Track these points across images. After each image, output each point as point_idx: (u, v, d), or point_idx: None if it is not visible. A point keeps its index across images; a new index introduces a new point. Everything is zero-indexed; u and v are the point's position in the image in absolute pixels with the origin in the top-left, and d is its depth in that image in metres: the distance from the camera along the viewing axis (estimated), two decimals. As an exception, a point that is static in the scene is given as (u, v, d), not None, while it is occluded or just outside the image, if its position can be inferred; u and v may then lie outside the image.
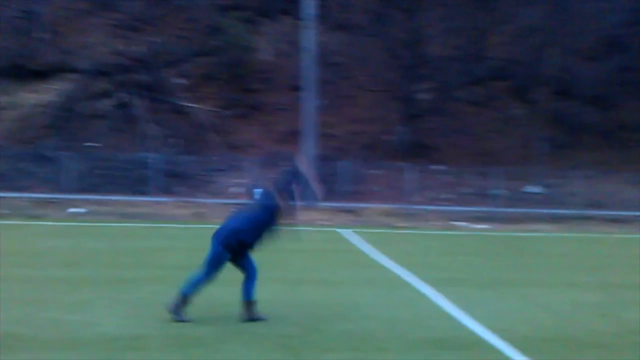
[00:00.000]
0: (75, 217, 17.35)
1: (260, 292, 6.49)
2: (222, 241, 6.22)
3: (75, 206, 18.62)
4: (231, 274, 6.41)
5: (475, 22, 30.87)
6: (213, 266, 6.25)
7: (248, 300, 6.41)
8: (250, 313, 6.39)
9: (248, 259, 6.47)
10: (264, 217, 6.30)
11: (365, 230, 16.53)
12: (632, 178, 26.37)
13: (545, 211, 22.06)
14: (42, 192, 20.21)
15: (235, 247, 6.24)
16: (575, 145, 29.93)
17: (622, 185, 26.21)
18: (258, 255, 6.47)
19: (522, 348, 5.66)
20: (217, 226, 6.45)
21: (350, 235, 14.97)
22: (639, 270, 11.16)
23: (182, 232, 14.58)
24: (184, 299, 6.23)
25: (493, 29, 31.54)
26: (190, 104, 27.13)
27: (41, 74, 26.91)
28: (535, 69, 30.25)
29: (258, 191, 6.56)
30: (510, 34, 32.27)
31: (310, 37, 21.53)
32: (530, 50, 32.16)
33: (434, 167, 25.63)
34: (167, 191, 21.64)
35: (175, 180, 22.68)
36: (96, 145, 24.26)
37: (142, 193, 21.13)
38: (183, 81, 28.36)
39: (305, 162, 7.10)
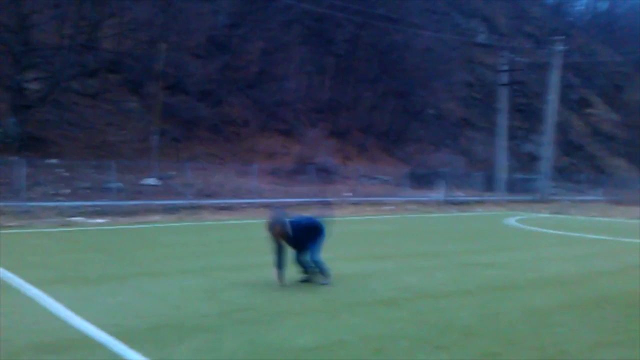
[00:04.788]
0: None
1: None
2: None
3: None
4: None
5: (85, 12, 30.07)
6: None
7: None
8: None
9: None
10: None
11: (-34, 233, 14.93)
12: (239, 169, 28.80)
13: (162, 202, 22.70)
14: None
15: None
16: (189, 139, 31.40)
17: (231, 175, 28.41)
18: None
19: (130, 340, 5.75)
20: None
21: (-53, 240, 13.38)
22: (241, 253, 12.36)
23: None
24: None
25: (104, 21, 31.13)
26: None
27: None
28: (147, 63, 30.83)
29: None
30: (122, 27, 32.27)
31: None
32: (142, 44, 32.67)
33: (47, 161, 24.32)
34: None
35: None
36: None
37: None
38: None
39: None
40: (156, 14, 31.50)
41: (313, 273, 8.82)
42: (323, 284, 8.67)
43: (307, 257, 8.72)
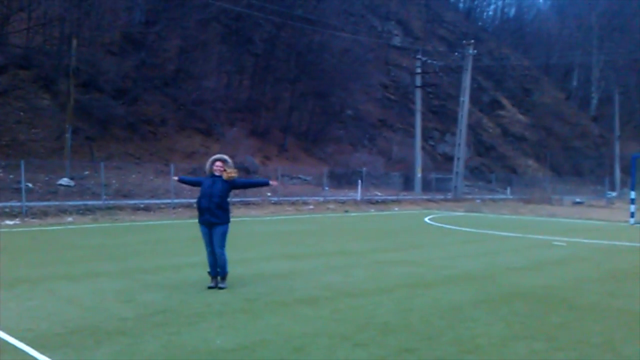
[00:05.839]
0: None
1: None
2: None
3: None
4: None
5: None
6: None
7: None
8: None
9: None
10: None
11: None
12: (157, 168, 28.25)
13: (77, 203, 22.01)
14: None
15: None
16: (103, 138, 30.53)
17: (149, 175, 27.85)
18: None
19: (44, 346, 5.58)
20: None
21: None
22: (159, 255, 12.16)
23: None
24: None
25: (13, 15, 29.84)
26: None
27: None
28: (59, 59, 29.79)
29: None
30: (32, 21, 31.04)
31: None
32: (53, 40, 31.54)
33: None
34: None
35: None
36: None
37: None
38: None
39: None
40: (68, 9, 30.40)
41: (218, 274, 8.59)
42: (222, 288, 8.49)
43: (219, 248, 8.49)
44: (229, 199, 8.68)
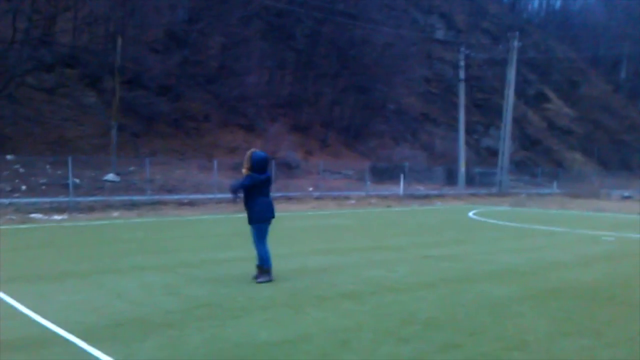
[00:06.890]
0: None
1: None
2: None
3: None
4: None
5: (39, 6, 29.41)
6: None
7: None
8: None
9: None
10: None
11: None
12: (200, 164, 28.57)
13: (123, 198, 22.43)
14: None
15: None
16: (148, 134, 31.00)
17: (193, 170, 28.18)
18: None
19: (93, 338, 5.69)
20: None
21: None
22: (203, 249, 12.29)
23: None
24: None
25: (59, 15, 30.52)
26: None
27: None
28: (105, 57, 30.33)
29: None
30: (78, 21, 31.70)
31: None
32: (99, 38, 32.13)
33: (4, 157, 23.76)
34: None
35: None
36: None
37: None
38: None
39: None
40: (112, 7, 30.99)
41: (260, 267, 8.62)
42: (259, 282, 8.48)
43: (260, 243, 8.48)
44: (272, 194, 8.64)
